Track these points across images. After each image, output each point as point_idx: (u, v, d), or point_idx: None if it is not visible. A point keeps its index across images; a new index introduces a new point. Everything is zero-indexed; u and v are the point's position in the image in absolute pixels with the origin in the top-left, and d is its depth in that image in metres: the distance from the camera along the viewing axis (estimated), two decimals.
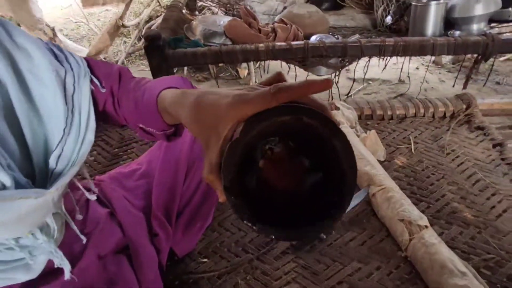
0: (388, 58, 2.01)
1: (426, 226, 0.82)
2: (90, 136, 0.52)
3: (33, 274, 0.51)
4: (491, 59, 1.77)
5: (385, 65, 2.27)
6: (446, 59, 3.02)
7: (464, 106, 1.26)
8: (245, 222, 0.32)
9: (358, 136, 1.17)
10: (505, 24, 1.82)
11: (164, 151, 0.88)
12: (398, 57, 2.62)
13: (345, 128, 1.17)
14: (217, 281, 0.81)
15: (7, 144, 0.45)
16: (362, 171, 1.00)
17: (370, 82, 2.81)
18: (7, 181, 0.41)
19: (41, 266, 0.52)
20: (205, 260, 0.86)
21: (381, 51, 1.64)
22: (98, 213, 0.71)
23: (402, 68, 2.56)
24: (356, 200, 0.95)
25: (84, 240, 0.61)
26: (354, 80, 2.41)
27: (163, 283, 0.79)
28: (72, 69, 0.52)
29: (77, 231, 0.59)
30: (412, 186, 1.01)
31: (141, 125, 0.55)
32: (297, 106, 0.31)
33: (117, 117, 0.60)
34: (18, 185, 0.43)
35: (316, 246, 0.87)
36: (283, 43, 1.70)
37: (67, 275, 0.55)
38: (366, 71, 1.98)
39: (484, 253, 0.82)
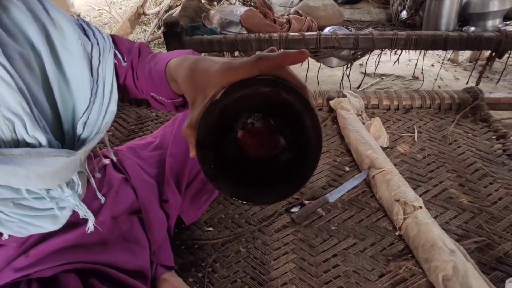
0: (401, 52, 2.03)
1: (421, 207, 0.86)
2: (113, 106, 0.57)
3: (58, 225, 0.58)
4: (506, 56, 1.77)
5: (398, 59, 2.29)
6: (463, 57, 2.99)
7: (471, 99, 1.28)
8: (207, 176, 0.35)
9: (363, 123, 1.21)
10: None
11: (177, 125, 0.95)
12: (413, 53, 2.64)
13: (351, 115, 1.21)
14: (220, 248, 0.88)
15: (43, 109, 0.51)
16: (364, 154, 1.04)
17: (383, 77, 2.82)
18: (43, 140, 0.48)
19: (65, 217, 0.59)
20: (210, 228, 0.92)
21: (393, 44, 1.66)
22: (114, 178, 0.78)
23: (416, 64, 2.57)
24: (356, 181, 0.99)
25: (103, 199, 0.68)
26: (365, 74, 2.43)
27: (171, 247, 0.86)
28: (98, 44, 0.56)
29: (96, 190, 0.66)
30: (411, 172, 1.05)
31: (152, 94, 0.59)
32: (278, 80, 0.33)
33: (136, 89, 0.64)
34: (50, 146, 0.50)
35: (315, 222, 0.93)
36: (296, 33, 1.74)
37: (91, 226, 0.62)
38: (378, 63, 2.00)
39: (476, 236, 0.86)
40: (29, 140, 0.47)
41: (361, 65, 2.95)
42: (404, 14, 2.09)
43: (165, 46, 1.77)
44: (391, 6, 2.23)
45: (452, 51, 2.92)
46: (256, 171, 0.39)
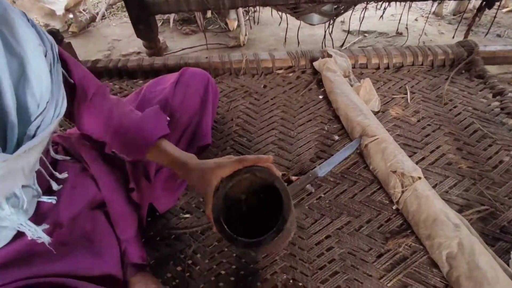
0: (386, 6, 1.89)
1: (420, 178, 0.77)
2: (65, 103, 0.50)
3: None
4: (494, 9, 1.66)
5: (382, 15, 2.15)
6: (447, 10, 2.86)
7: (466, 54, 1.18)
8: (226, 239, 0.53)
9: (351, 85, 1.09)
10: None
11: (141, 99, 0.81)
12: (397, 9, 2.49)
13: (338, 76, 1.09)
14: (200, 237, 0.78)
15: None
16: (354, 121, 0.93)
17: (366, 34, 2.67)
18: None
19: (6, 239, 0.50)
20: (187, 215, 0.82)
21: None
22: (68, 168, 0.64)
23: (400, 20, 2.43)
24: (347, 151, 0.89)
25: (53, 200, 0.55)
26: (348, 31, 2.28)
27: (144, 239, 0.75)
28: (51, 48, 0.49)
29: (49, 202, 0.54)
30: (406, 138, 0.96)
31: (112, 148, 0.66)
32: (252, 168, 0.56)
33: (76, 115, 0.63)
34: None
35: (304, 200, 0.83)
36: None
37: (46, 243, 0.51)
38: (362, 20, 1.85)
39: (478, 205, 0.79)
40: None
41: (342, 22, 2.79)
42: None
43: (125, 10, 1.55)
44: None
45: (436, 3, 2.80)
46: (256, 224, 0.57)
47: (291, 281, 0.69)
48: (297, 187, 0.83)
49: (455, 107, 1.05)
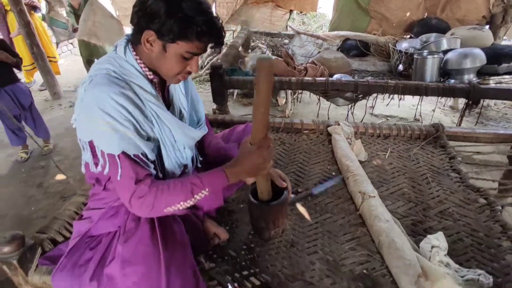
0: (400, 96, 2.49)
1: (374, 196, 1.28)
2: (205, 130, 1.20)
3: None
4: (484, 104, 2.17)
5: (399, 102, 2.75)
6: (462, 104, 3.39)
7: (434, 131, 1.71)
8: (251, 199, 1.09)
9: (350, 144, 1.66)
10: (494, 77, 2.24)
11: (225, 136, 1.46)
12: (416, 99, 3.09)
13: (340, 137, 1.67)
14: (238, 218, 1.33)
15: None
16: (344, 164, 1.49)
17: (389, 118, 3.26)
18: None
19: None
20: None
21: (384, 90, 2.14)
22: None
23: (416, 109, 3.02)
24: (335, 180, 1.44)
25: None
26: (372, 114, 2.88)
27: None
28: None
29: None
30: (379, 177, 1.48)
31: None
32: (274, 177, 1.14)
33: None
34: None
35: (308, 201, 1.37)
36: (310, 78, 2.27)
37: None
38: (375, 103, 2.46)
39: (413, 217, 1.27)
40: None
41: (371, 107, 3.42)
42: (400, 67, 2.58)
43: (203, 82, 2.34)
44: (391, 60, 2.73)
45: (451, 98, 3.35)
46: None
47: (289, 244, 1.21)
48: (301, 196, 1.37)
49: (418, 163, 1.56)
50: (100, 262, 0.97)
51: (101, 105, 0.83)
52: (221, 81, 2.24)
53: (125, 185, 0.89)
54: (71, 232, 1.18)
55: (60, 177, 2.81)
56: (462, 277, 1.00)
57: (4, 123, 2.97)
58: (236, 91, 3.78)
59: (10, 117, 2.58)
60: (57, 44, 4.48)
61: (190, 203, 0.94)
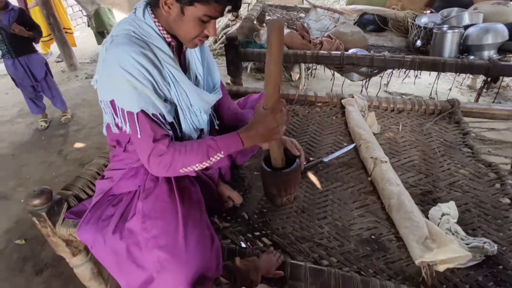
0: (419, 73, 2.45)
1: (386, 161, 1.31)
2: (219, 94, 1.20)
3: None
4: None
5: (415, 80, 2.71)
6: (480, 84, 3.31)
7: (450, 107, 1.70)
8: (264, 166, 1.14)
9: (363, 116, 1.67)
10: None
11: (240, 103, 1.48)
12: (433, 78, 3.03)
13: (354, 109, 1.68)
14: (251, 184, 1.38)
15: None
16: (357, 132, 1.51)
17: (404, 96, 3.21)
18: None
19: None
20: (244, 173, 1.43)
21: (400, 65, 2.11)
22: None
23: (432, 87, 2.97)
24: (347, 148, 1.46)
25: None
26: (386, 91, 2.85)
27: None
28: None
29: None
30: (391, 149, 1.50)
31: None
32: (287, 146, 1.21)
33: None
34: None
35: (319, 170, 1.40)
36: (325, 52, 2.25)
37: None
38: (390, 79, 2.44)
39: (422, 187, 1.29)
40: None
41: (385, 85, 3.38)
42: (418, 42, 2.52)
43: (217, 57, 2.34)
44: (409, 35, 2.67)
45: (471, 77, 3.28)
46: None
47: (300, 210, 1.25)
48: (312, 163, 1.41)
49: (431, 137, 1.56)
50: (121, 218, 1.04)
51: (122, 64, 0.86)
52: (236, 53, 2.25)
53: (144, 144, 0.93)
54: (93, 191, 1.25)
55: (78, 145, 2.91)
56: (467, 244, 1.04)
57: (23, 92, 3.05)
58: (250, 65, 3.76)
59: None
60: (88, 17, 4.41)
61: (205, 164, 0.98)
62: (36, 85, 3.03)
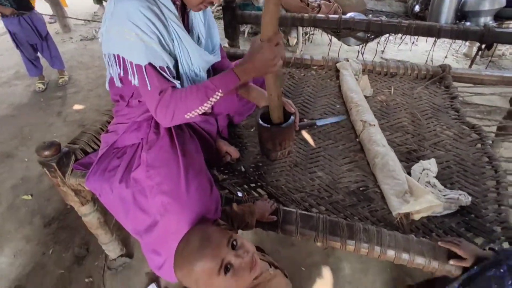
0: (415, 39, 2.46)
1: (374, 125, 1.38)
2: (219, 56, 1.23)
3: None
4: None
5: (411, 47, 2.73)
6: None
7: (441, 72, 1.75)
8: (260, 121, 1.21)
9: (357, 80, 1.72)
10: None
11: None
12: (429, 45, 3.04)
13: (348, 72, 1.73)
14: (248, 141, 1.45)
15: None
16: (348, 96, 1.57)
17: (400, 63, 3.24)
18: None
19: None
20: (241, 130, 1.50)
21: (397, 30, 2.13)
22: None
23: (429, 54, 2.99)
24: (339, 117, 1.53)
25: None
26: (382, 58, 2.86)
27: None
28: None
29: None
30: (381, 111, 1.57)
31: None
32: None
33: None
34: None
35: (312, 129, 1.48)
36: (322, 15, 2.25)
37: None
38: (386, 45, 2.46)
39: (408, 146, 1.38)
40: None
41: (382, 51, 3.39)
42: (417, 8, 2.52)
43: (216, 19, 2.34)
44: (408, 0, 2.66)
45: (467, 45, 3.30)
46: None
47: (293, 164, 1.34)
48: (305, 123, 1.48)
49: (421, 101, 1.63)
50: (127, 168, 1.11)
51: (131, 17, 0.89)
52: (233, 15, 2.24)
53: (152, 96, 0.98)
54: (98, 145, 1.32)
55: (77, 107, 2.95)
56: (444, 196, 1.14)
57: (22, 53, 3.04)
58: (247, 29, 3.73)
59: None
60: None
61: (207, 106, 1.01)
62: (40, 43, 3.02)
